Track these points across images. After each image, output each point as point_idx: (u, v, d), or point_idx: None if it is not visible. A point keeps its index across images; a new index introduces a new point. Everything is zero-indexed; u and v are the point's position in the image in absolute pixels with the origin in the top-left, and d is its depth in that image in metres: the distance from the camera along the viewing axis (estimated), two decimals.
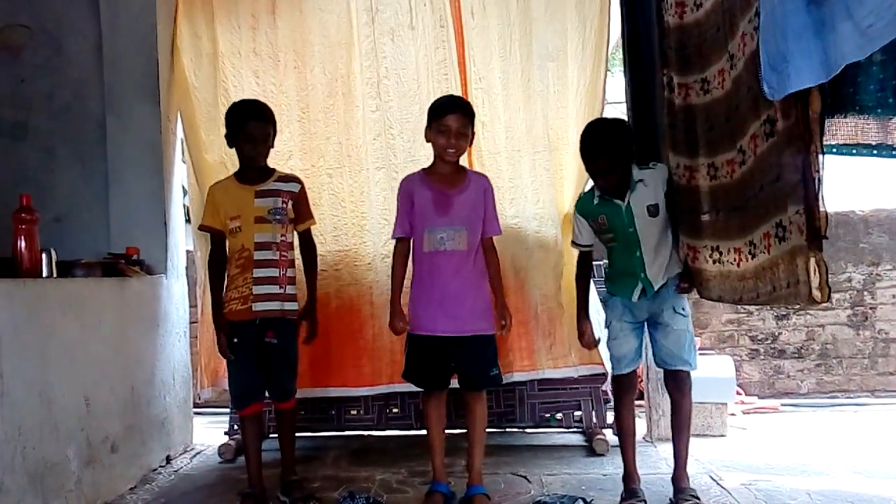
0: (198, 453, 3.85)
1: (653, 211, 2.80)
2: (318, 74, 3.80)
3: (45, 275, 2.83)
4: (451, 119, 2.83)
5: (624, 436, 2.94)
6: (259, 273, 2.97)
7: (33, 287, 2.65)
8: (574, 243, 3.05)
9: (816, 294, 2.39)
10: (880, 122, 2.74)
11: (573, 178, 3.70)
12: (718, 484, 3.07)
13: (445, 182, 2.92)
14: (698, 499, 2.79)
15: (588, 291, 3.07)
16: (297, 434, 3.88)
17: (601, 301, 3.12)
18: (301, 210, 3.12)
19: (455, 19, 3.70)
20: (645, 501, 2.83)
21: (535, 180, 3.71)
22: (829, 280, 2.40)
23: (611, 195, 2.84)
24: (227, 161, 3.69)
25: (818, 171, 2.37)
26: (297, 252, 3.16)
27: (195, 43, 3.84)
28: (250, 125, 2.97)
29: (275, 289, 2.99)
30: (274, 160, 3.79)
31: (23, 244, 2.75)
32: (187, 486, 3.27)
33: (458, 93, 3.68)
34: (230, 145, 3.06)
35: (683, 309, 2.88)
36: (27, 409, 2.51)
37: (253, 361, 3.01)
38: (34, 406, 2.55)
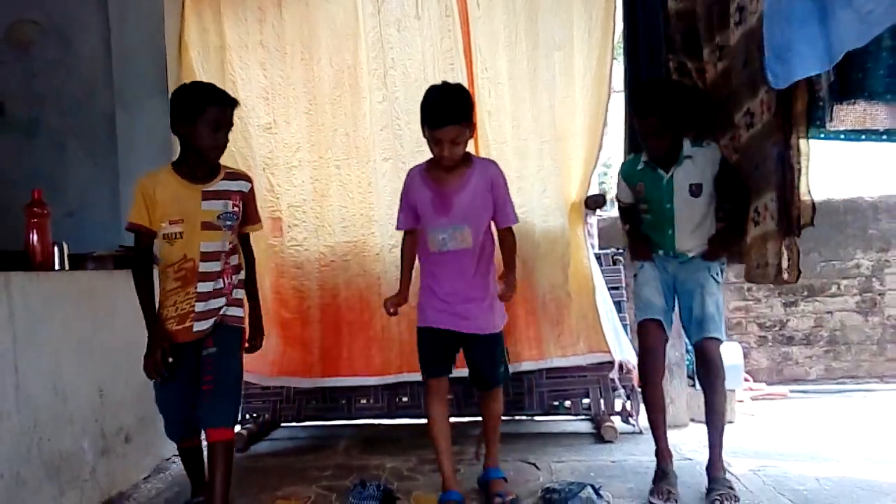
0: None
1: (695, 190, 2.72)
2: (324, 66, 3.81)
3: (57, 268, 2.86)
4: (441, 133, 2.62)
5: (652, 411, 2.86)
6: (204, 287, 2.54)
7: (46, 280, 2.69)
8: (616, 198, 3.04)
9: (786, 275, 2.43)
10: (889, 107, 2.73)
11: (580, 168, 3.70)
12: (727, 470, 3.07)
13: (446, 179, 2.75)
14: (732, 488, 2.72)
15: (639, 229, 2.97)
16: (307, 423, 3.94)
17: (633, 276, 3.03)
18: (249, 211, 2.70)
19: (461, 9, 3.70)
20: (675, 485, 2.77)
21: (541, 170, 3.71)
22: (801, 263, 2.43)
23: (656, 163, 2.77)
24: (235, 154, 3.71)
25: (798, 163, 2.40)
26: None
27: (203, 36, 3.86)
28: (218, 110, 2.51)
29: (220, 302, 2.57)
30: (282, 152, 3.84)
31: (35, 238, 2.78)
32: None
33: (463, 82, 3.67)
34: (179, 132, 2.54)
35: (717, 274, 2.81)
36: (42, 402, 2.55)
37: (192, 386, 2.54)
38: (49, 398, 2.59)
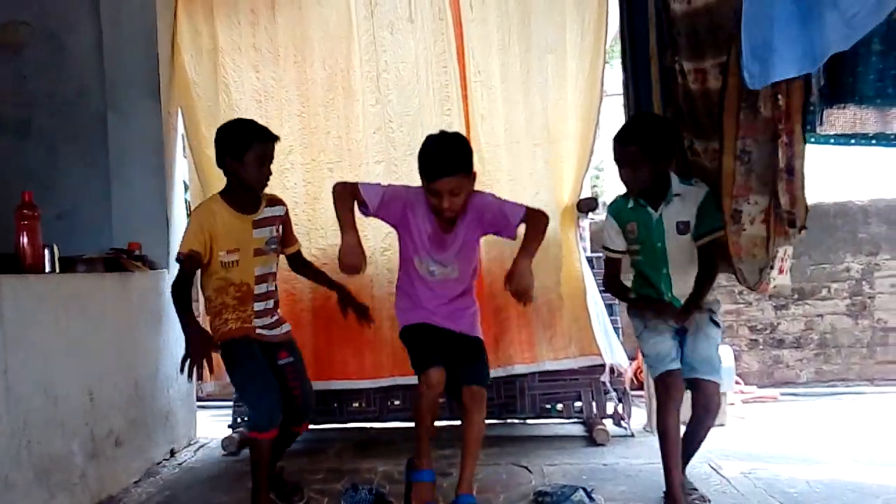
0: (201, 446, 3.87)
1: (682, 228, 2.67)
2: (317, 69, 3.81)
3: (47, 270, 2.85)
4: (439, 185, 2.53)
5: (666, 443, 2.62)
6: (259, 306, 2.84)
7: (36, 282, 2.67)
8: (605, 247, 2.89)
9: (780, 282, 2.42)
10: (879, 111, 2.75)
11: (572, 171, 3.71)
12: (718, 473, 3.09)
13: (446, 221, 2.69)
14: (696, 489, 2.76)
15: (624, 287, 2.89)
16: None
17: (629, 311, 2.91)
18: (287, 233, 3.01)
19: (454, 12, 3.70)
20: None
21: (534, 173, 3.72)
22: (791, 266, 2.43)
23: (645, 200, 2.69)
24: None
25: (800, 166, 2.40)
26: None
27: (195, 39, 3.85)
28: (264, 146, 2.75)
29: (275, 317, 2.92)
30: (275, 155, 3.83)
31: (25, 240, 2.76)
32: (191, 479, 3.30)
33: (456, 86, 3.71)
34: (227, 165, 2.75)
35: (718, 320, 2.76)
36: (32, 404, 2.53)
37: (273, 377, 2.76)
38: (39, 401, 2.58)
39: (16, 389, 2.43)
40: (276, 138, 2.81)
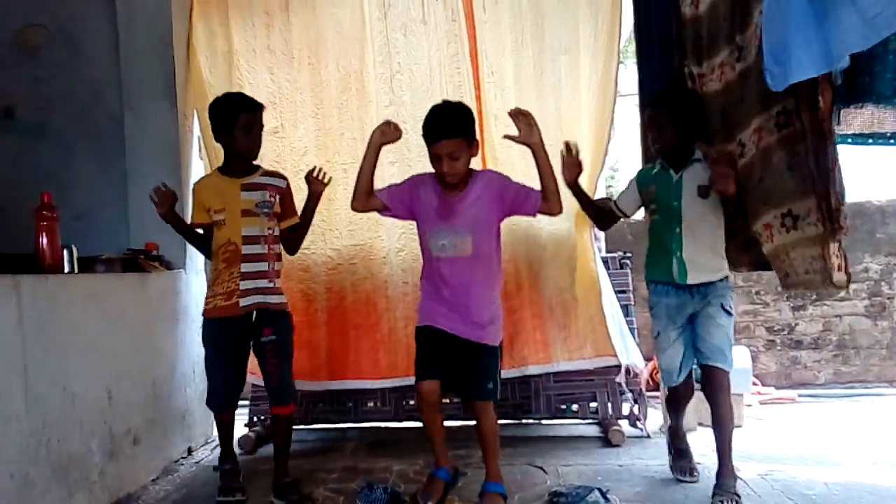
0: (218, 445, 3.88)
1: (703, 192, 2.78)
2: (331, 70, 3.83)
3: (66, 271, 2.88)
4: (438, 147, 2.68)
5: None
6: (247, 268, 2.91)
7: (55, 282, 2.69)
8: (613, 201, 3.13)
9: (839, 278, 2.39)
10: None
11: (586, 172, 3.67)
12: (737, 476, 3.06)
13: (451, 188, 2.78)
14: (738, 494, 2.71)
15: (590, 204, 3.20)
16: (314, 426, 3.96)
17: (650, 307, 3.01)
18: (286, 206, 3.08)
19: (467, 13, 3.71)
20: (692, 461, 3.07)
21: None
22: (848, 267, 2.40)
23: (668, 162, 2.86)
24: None
25: (836, 163, 2.38)
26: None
27: (210, 41, 3.88)
28: (250, 115, 2.92)
29: (263, 283, 2.95)
30: (289, 156, 3.86)
31: (44, 241, 2.79)
32: (208, 477, 3.31)
33: (469, 87, 3.70)
34: (220, 139, 2.98)
35: (730, 307, 2.83)
36: (51, 403, 2.55)
37: (236, 361, 3.00)
38: (58, 400, 2.60)
39: (35, 388, 2.45)
40: (259, 106, 2.96)
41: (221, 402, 3.05)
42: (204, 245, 3.09)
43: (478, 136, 3.69)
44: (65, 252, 2.88)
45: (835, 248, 2.41)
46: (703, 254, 2.82)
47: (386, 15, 3.76)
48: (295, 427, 4.02)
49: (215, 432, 4.00)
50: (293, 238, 3.15)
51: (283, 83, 3.86)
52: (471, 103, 3.70)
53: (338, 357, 3.83)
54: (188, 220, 3.11)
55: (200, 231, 3.06)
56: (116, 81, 3.84)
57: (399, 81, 3.78)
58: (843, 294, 4.83)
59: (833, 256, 2.40)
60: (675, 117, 2.82)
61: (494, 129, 3.71)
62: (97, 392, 2.88)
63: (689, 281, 2.82)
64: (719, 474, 2.79)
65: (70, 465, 2.64)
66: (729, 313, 2.82)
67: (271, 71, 3.86)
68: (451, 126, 2.69)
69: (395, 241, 3.75)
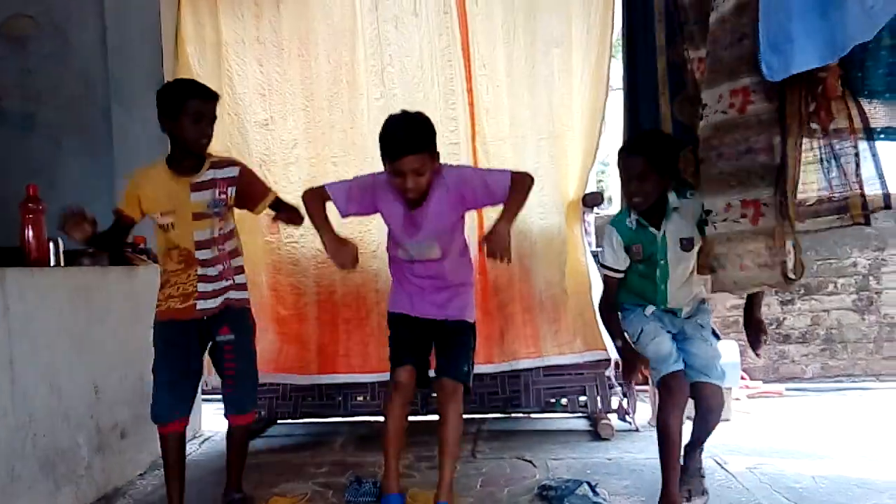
0: (206, 439, 3.89)
1: (686, 245, 2.63)
2: (322, 62, 3.80)
3: (52, 264, 2.86)
4: (402, 164, 2.42)
5: (667, 444, 2.55)
6: (204, 271, 2.65)
7: (41, 276, 2.68)
8: (603, 265, 2.79)
9: (791, 274, 2.36)
10: (888, 106, 2.73)
11: (577, 166, 3.70)
12: (723, 468, 3.09)
13: (412, 202, 2.58)
14: (703, 476, 2.74)
15: (619, 323, 2.77)
16: (303, 420, 3.95)
17: (622, 320, 2.79)
18: (252, 190, 2.73)
19: (458, 6, 3.69)
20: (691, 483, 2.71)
21: (539, 167, 3.70)
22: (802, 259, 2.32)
23: (646, 219, 2.65)
24: (231, 149, 3.72)
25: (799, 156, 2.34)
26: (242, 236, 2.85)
27: (199, 32, 3.85)
28: (200, 104, 2.59)
29: (222, 283, 2.68)
30: (279, 149, 3.83)
31: (30, 234, 2.77)
32: (196, 472, 3.29)
33: (461, 79, 3.69)
34: (165, 128, 2.62)
35: (714, 330, 2.73)
36: (37, 397, 2.54)
37: (187, 367, 2.68)
38: (44, 394, 2.59)
39: (21, 382, 2.44)
40: (214, 96, 2.64)
41: (162, 412, 2.64)
42: (114, 244, 2.79)
43: (468, 133, 3.73)
44: (51, 245, 2.86)
45: (790, 239, 2.40)
46: (685, 301, 2.70)
47: (377, 7, 3.74)
48: (284, 421, 4.04)
49: (203, 427, 4.01)
50: (290, 216, 2.81)
51: (273, 75, 3.83)
52: (462, 96, 3.72)
53: (327, 351, 3.82)
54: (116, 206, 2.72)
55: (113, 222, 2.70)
56: (105, 73, 3.82)
57: (390, 74, 3.76)
58: (831, 288, 4.86)
59: (789, 250, 2.39)
60: (654, 163, 2.56)
61: (486, 123, 3.71)
62: (84, 386, 2.86)
63: (671, 306, 2.71)
64: (686, 457, 2.74)
65: (57, 459, 2.63)
66: (717, 336, 2.73)
67: (261, 62, 3.83)
68: (416, 141, 2.44)
69: (384, 234, 3.72)
